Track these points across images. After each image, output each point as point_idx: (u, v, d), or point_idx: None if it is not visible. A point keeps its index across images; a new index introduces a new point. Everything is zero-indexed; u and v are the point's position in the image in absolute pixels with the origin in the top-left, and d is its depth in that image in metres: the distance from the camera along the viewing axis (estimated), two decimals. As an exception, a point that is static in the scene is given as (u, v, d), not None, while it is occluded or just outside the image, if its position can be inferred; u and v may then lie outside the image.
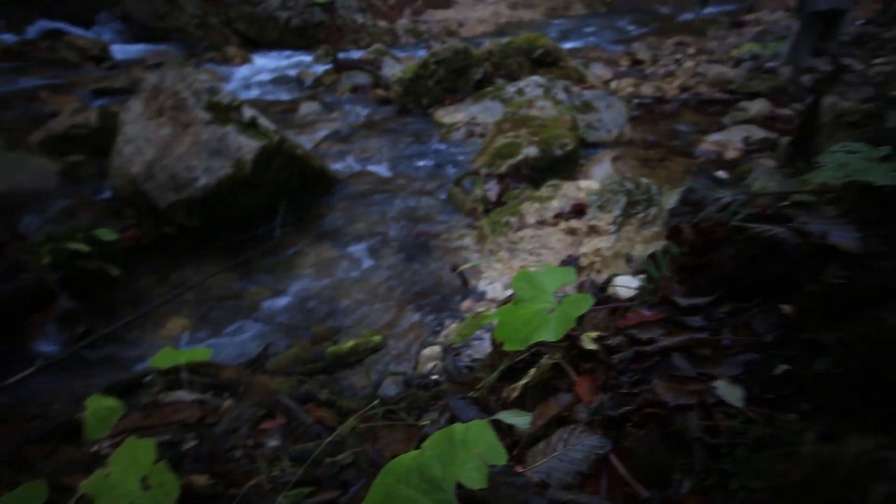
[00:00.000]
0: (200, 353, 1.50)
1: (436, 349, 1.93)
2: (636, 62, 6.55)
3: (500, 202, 3.17)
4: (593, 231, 2.30)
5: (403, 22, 11.42)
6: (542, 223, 2.76)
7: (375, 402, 1.19)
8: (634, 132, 3.89)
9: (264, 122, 3.11)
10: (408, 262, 2.71)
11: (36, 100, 5.06)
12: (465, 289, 2.49)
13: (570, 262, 2.32)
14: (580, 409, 0.83)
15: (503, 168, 3.28)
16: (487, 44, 5.56)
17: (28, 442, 1.28)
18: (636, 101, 4.70)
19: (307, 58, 8.13)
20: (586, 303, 0.97)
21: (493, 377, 1.22)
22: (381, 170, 3.85)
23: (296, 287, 2.42)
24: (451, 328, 2.21)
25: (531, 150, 3.32)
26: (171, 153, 2.86)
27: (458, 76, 5.15)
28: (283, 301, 2.29)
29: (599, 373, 0.88)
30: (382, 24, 11.17)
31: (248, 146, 2.89)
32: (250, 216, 2.92)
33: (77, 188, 3.45)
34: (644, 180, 2.15)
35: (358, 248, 2.75)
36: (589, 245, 2.23)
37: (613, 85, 5.37)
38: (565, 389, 0.91)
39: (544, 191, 2.89)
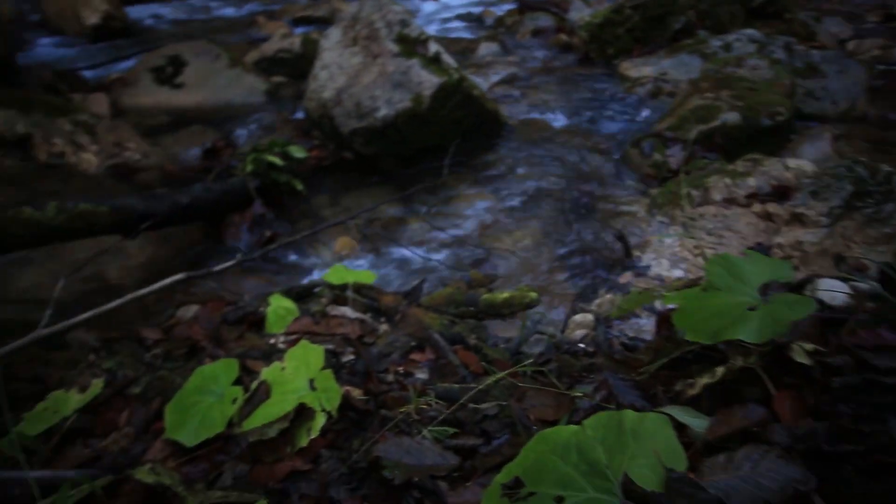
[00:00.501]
0: (366, 275, 1.59)
1: (587, 317, 1.83)
2: (890, 17, 5.31)
3: (681, 171, 2.86)
4: (797, 220, 1.97)
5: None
6: (730, 201, 2.44)
7: (529, 360, 1.16)
8: (871, 106, 3.21)
9: (447, 58, 3.11)
10: (569, 220, 2.59)
11: (254, 24, 5.63)
12: (627, 259, 2.32)
13: (759, 250, 2.02)
14: (777, 430, 0.70)
15: (692, 133, 2.93)
16: (696, -11, 4.90)
17: (224, 322, 1.47)
18: (881, 67, 3.85)
19: (494, -5, 7.95)
20: (805, 307, 0.81)
21: (658, 363, 1.11)
22: (554, 119, 3.68)
23: (455, 227, 2.45)
24: (606, 298, 2.08)
25: (731, 116, 2.92)
26: (359, 82, 3.01)
27: (654, 24, 4.66)
28: (441, 238, 2.34)
29: (808, 393, 0.74)
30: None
31: (429, 82, 2.92)
32: (421, 151, 2.99)
33: (278, 106, 3.82)
34: (885, 167, 1.75)
35: (520, 198, 2.69)
36: (788, 235, 1.92)
37: (852, 46, 4.44)
38: (757, 401, 0.78)
39: (740, 165, 2.53)
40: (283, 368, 1.12)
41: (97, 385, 1.13)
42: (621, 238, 2.31)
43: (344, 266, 1.56)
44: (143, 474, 0.81)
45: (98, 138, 3.01)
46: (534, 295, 1.53)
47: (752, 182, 2.39)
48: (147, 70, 4.10)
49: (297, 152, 2.69)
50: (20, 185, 2.80)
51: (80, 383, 1.15)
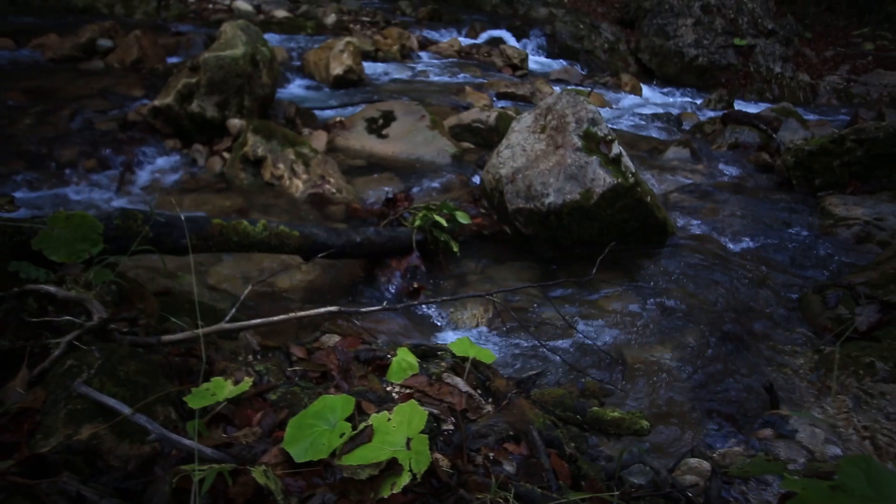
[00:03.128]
0: (487, 354, 1.68)
1: (704, 464, 1.69)
2: None
3: (871, 336, 2.50)
4: None
5: (833, 79, 9.70)
6: (922, 388, 2.07)
7: (623, 490, 1.13)
8: None
9: (627, 161, 3.16)
10: (716, 353, 2.41)
11: (462, 92, 6.27)
12: (772, 414, 2.08)
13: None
14: None
15: None
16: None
17: (356, 359, 1.66)
18: None
19: (697, 100, 7.81)
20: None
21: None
22: (729, 241, 3.47)
23: (590, 328, 2.43)
24: (732, 450, 1.89)
25: (949, 289, 2.49)
26: (536, 166, 3.19)
27: (880, 163, 4.18)
28: (573, 336, 2.34)
29: None
30: (804, 77, 9.71)
31: (602, 181, 2.99)
32: (578, 243, 3.05)
33: (459, 170, 4.19)
34: None
35: (668, 315, 2.58)
36: None
37: None
38: None
39: (946, 349, 2.15)
40: (388, 419, 1.24)
41: (247, 382, 1.36)
42: (770, 389, 2.09)
43: (469, 340, 1.67)
44: (258, 474, 0.98)
45: (309, 169, 3.60)
46: (645, 424, 1.47)
47: (958, 373, 2.01)
48: (363, 119, 4.81)
49: (462, 218, 2.92)
50: (245, 196, 3.46)
51: (236, 377, 1.40)
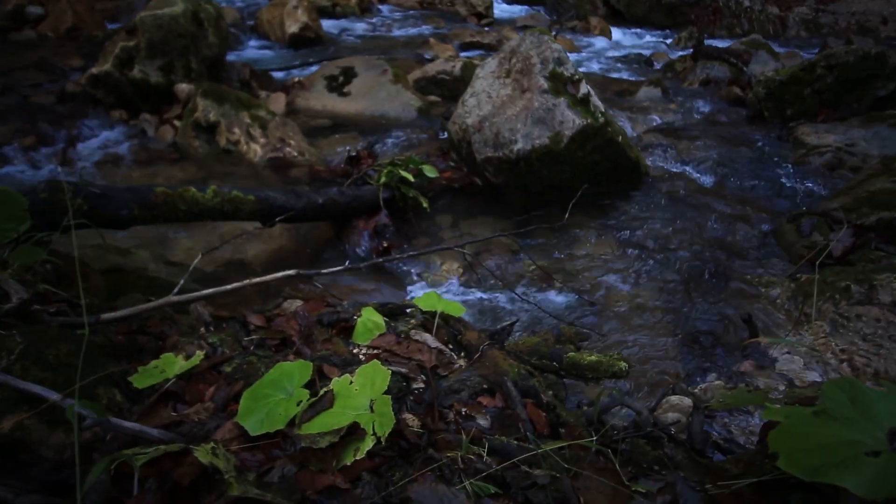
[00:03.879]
0: (456, 307, 1.60)
1: (686, 401, 1.66)
2: None
3: (845, 261, 2.49)
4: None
5: (801, 10, 9.54)
6: (899, 308, 2.06)
7: (602, 433, 1.08)
8: None
9: (596, 101, 3.05)
10: (694, 289, 2.38)
11: (425, 45, 6.02)
12: (751, 346, 2.06)
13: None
14: None
15: (871, 219, 2.54)
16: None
17: (319, 323, 1.57)
18: None
19: (668, 40, 7.64)
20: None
21: (744, 482, 0.97)
22: (703, 178, 3.42)
23: (564, 273, 2.38)
24: (714, 384, 1.87)
25: (923, 209, 2.48)
26: (502, 112, 3.06)
27: (850, 88, 4.13)
28: (544, 283, 2.28)
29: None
30: (773, 10, 9.54)
31: (571, 123, 2.88)
32: (550, 189, 2.96)
33: (425, 124, 4.03)
34: None
35: (642, 257, 2.53)
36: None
37: None
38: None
39: (921, 267, 2.14)
40: (351, 382, 1.17)
41: (199, 356, 1.27)
42: (748, 321, 2.06)
43: (436, 294, 1.59)
44: (202, 454, 0.90)
45: (267, 133, 3.42)
46: (623, 365, 1.42)
47: (933, 291, 2.00)
48: (323, 77, 4.58)
49: (430, 172, 2.81)
50: (201, 165, 3.28)
51: (188, 351, 1.30)
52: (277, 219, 2.18)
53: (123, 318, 1.39)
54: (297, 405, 1.09)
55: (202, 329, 1.43)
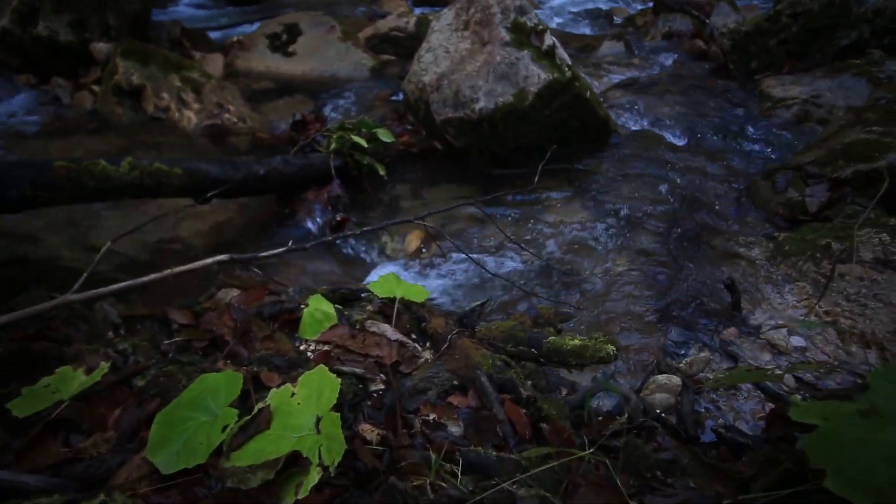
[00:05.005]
0: (418, 291, 1.39)
1: (674, 380, 1.52)
2: None
3: (822, 216, 2.39)
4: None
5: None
6: (883, 263, 1.98)
7: (588, 452, 0.91)
8: None
9: (562, 53, 2.82)
10: (671, 253, 2.24)
11: (378, 1, 5.61)
12: (735, 312, 1.95)
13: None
14: None
15: (846, 173, 2.44)
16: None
17: (258, 315, 1.34)
18: None
19: (628, -9, 7.40)
20: None
21: (769, 497, 0.82)
22: (672, 135, 3.27)
23: (538, 242, 2.19)
24: (699, 356, 1.75)
25: (900, 160, 2.39)
26: (462, 68, 2.80)
27: (814, 37, 4.03)
28: (516, 255, 2.10)
29: None
30: (728, -37, 9.41)
31: (537, 77, 2.65)
32: (516, 150, 2.75)
33: (379, 84, 3.73)
34: None
35: (618, 220, 2.37)
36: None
37: None
38: None
39: (904, 221, 2.05)
40: (293, 394, 0.96)
41: (102, 369, 1.03)
42: (731, 286, 1.94)
43: (395, 276, 1.38)
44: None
45: (202, 97, 3.06)
46: (611, 349, 1.26)
47: (918, 246, 1.91)
48: (264, 36, 4.17)
49: (384, 136, 2.55)
50: (126, 135, 2.91)
51: (90, 362, 1.06)
52: (211, 193, 1.90)
53: (10, 324, 1.13)
54: (223, 430, 0.87)
55: (110, 333, 1.18)
